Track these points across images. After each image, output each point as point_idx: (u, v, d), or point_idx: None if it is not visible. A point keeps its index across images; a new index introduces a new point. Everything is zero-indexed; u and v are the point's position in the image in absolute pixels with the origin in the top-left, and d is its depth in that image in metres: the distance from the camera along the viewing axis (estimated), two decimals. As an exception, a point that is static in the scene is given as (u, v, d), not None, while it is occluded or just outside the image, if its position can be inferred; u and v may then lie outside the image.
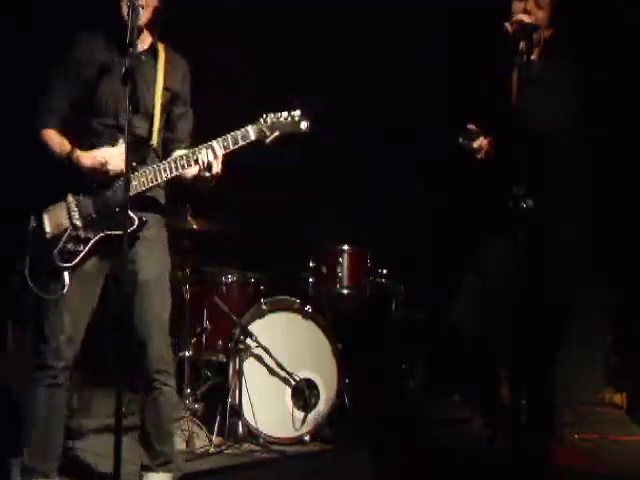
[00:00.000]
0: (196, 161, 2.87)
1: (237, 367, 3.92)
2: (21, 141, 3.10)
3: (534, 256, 2.98)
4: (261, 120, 2.92)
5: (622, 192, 4.81)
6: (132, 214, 2.80)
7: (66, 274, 2.82)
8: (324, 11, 5.17)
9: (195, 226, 4.21)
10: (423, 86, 5.21)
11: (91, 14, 3.05)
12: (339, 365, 4.09)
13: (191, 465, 3.57)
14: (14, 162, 3.92)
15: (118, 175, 2.81)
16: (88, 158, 2.84)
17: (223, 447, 3.80)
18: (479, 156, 3.25)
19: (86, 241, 2.85)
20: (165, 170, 2.88)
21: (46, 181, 2.95)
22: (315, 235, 4.87)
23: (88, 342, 3.00)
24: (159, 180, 2.88)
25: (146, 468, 3.01)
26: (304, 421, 4.01)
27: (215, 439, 3.83)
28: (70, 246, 2.83)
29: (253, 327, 3.99)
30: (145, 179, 2.86)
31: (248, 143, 2.91)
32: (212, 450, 3.76)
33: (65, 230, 2.85)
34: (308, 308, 4.13)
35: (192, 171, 2.92)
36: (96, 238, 2.86)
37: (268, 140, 2.91)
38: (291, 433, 3.99)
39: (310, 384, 4.03)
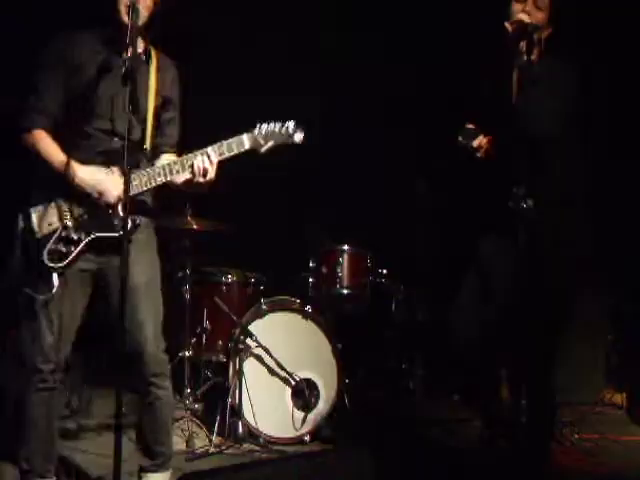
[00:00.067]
0: (191, 167, 2.86)
1: (237, 367, 3.92)
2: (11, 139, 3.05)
3: (533, 256, 2.99)
4: (256, 129, 2.92)
5: (622, 192, 4.81)
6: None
7: (55, 275, 2.79)
8: (323, 11, 5.18)
9: (195, 226, 4.21)
10: (423, 86, 5.22)
11: (83, 13, 3.00)
12: (339, 365, 4.09)
13: (191, 465, 3.57)
14: (4, 159, 3.89)
15: (108, 205, 2.81)
16: (87, 185, 2.80)
17: (223, 447, 3.81)
18: (479, 155, 3.24)
19: (77, 242, 2.82)
20: (159, 175, 2.87)
21: (35, 179, 2.89)
22: (315, 235, 4.88)
23: (88, 342, 3.00)
24: (153, 184, 2.87)
25: (145, 470, 3.01)
26: (304, 421, 4.01)
27: (215, 439, 3.83)
28: (61, 247, 2.80)
29: (253, 327, 3.99)
30: (139, 183, 2.84)
31: (242, 151, 2.92)
32: (212, 450, 3.76)
33: (55, 230, 2.81)
34: (308, 308, 4.13)
35: (184, 176, 2.91)
36: (87, 240, 2.83)
37: (262, 150, 2.92)
38: (291, 433, 3.99)
39: (310, 384, 4.03)
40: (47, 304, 2.80)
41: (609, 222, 4.44)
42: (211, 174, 2.87)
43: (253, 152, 2.93)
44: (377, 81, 5.34)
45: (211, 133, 2.96)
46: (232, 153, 2.90)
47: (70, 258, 2.81)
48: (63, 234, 2.82)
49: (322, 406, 4.05)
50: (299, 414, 4.01)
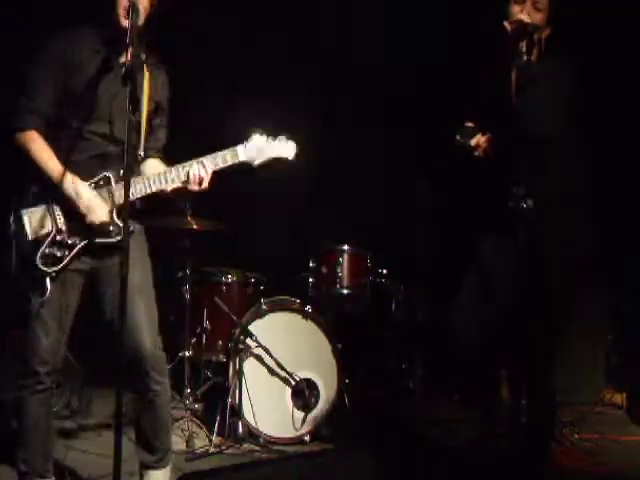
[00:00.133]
0: (187, 175, 2.87)
1: (237, 367, 3.92)
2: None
3: (533, 256, 2.99)
4: (250, 143, 2.93)
5: (622, 192, 4.81)
6: (119, 222, 2.80)
7: (48, 279, 2.78)
8: (322, 11, 5.19)
9: (195, 226, 4.21)
10: (423, 86, 5.22)
11: (82, 13, 2.98)
12: (339, 365, 4.09)
13: (191, 465, 3.57)
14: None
15: (93, 224, 2.80)
16: (79, 201, 2.78)
17: (223, 447, 3.81)
18: (477, 154, 3.24)
19: (71, 247, 2.81)
20: (155, 182, 2.86)
21: (27, 179, 2.85)
22: (315, 235, 4.88)
23: (88, 342, 3.00)
24: (148, 191, 2.86)
25: (145, 466, 3.01)
26: (304, 421, 4.01)
27: (215, 439, 3.83)
28: (54, 251, 2.78)
29: (253, 327, 3.99)
30: (134, 190, 2.82)
31: (237, 163, 2.93)
32: (212, 450, 3.76)
33: (48, 234, 2.79)
34: (308, 308, 4.13)
35: (176, 184, 2.91)
36: (82, 244, 2.82)
37: (255, 163, 2.95)
38: (291, 433, 3.99)
39: (310, 384, 4.03)
40: (41, 307, 2.79)
41: (609, 222, 4.44)
42: (205, 183, 2.89)
43: (247, 165, 2.95)
44: (377, 81, 5.34)
45: (211, 133, 2.96)
46: (226, 164, 2.92)
47: (64, 263, 2.80)
48: (58, 238, 2.80)
49: (322, 406, 4.05)
50: (299, 414, 4.01)
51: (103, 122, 2.86)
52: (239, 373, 3.90)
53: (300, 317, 4.12)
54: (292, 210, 5.23)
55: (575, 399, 4.57)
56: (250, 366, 3.96)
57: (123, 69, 2.53)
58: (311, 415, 4.02)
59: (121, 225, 2.75)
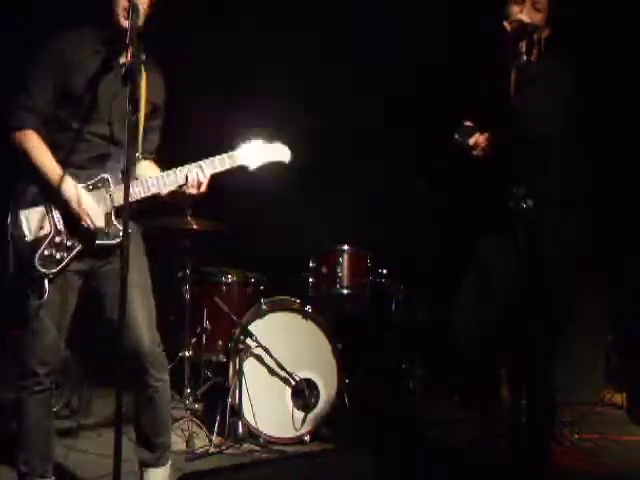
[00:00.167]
0: (185, 179, 2.87)
1: (237, 367, 3.92)
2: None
3: (533, 256, 2.99)
4: (247, 147, 2.95)
5: (622, 192, 4.81)
6: (117, 224, 2.80)
7: (46, 281, 2.76)
8: (322, 11, 5.18)
9: (195, 226, 4.21)
10: (423, 86, 5.22)
11: (82, 13, 2.98)
12: (339, 365, 4.09)
13: (191, 465, 3.57)
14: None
15: (89, 229, 2.79)
16: (77, 206, 2.77)
17: (223, 447, 3.81)
18: (475, 153, 3.23)
19: (70, 249, 2.80)
20: (153, 185, 2.86)
21: (24, 179, 2.84)
22: (315, 235, 4.88)
23: (87, 342, 3.00)
24: (146, 194, 2.86)
25: (145, 464, 3.00)
26: (304, 421, 4.01)
27: (215, 439, 3.83)
28: (53, 252, 2.77)
29: (253, 327, 3.99)
30: (132, 192, 2.80)
31: (234, 167, 2.94)
32: (212, 450, 3.76)
33: (47, 235, 2.78)
34: (308, 308, 4.13)
35: (173, 188, 2.91)
36: (80, 246, 2.81)
37: (252, 168, 2.96)
38: (291, 433, 3.99)
39: (310, 384, 4.03)
40: (40, 308, 2.79)
41: (609, 222, 4.44)
42: (203, 187, 2.90)
43: (244, 169, 2.97)
44: (377, 81, 5.34)
45: (211, 133, 2.96)
46: (224, 168, 2.93)
47: (63, 264, 2.80)
48: (57, 239, 2.79)
49: (322, 406, 4.05)
50: (299, 414, 4.01)
51: (103, 123, 2.86)
52: (239, 373, 3.90)
53: (300, 317, 4.12)
54: (292, 210, 5.22)
55: (575, 399, 4.57)
56: (250, 366, 3.96)
57: (123, 69, 2.53)
58: (311, 415, 4.02)
59: (120, 227, 2.75)
